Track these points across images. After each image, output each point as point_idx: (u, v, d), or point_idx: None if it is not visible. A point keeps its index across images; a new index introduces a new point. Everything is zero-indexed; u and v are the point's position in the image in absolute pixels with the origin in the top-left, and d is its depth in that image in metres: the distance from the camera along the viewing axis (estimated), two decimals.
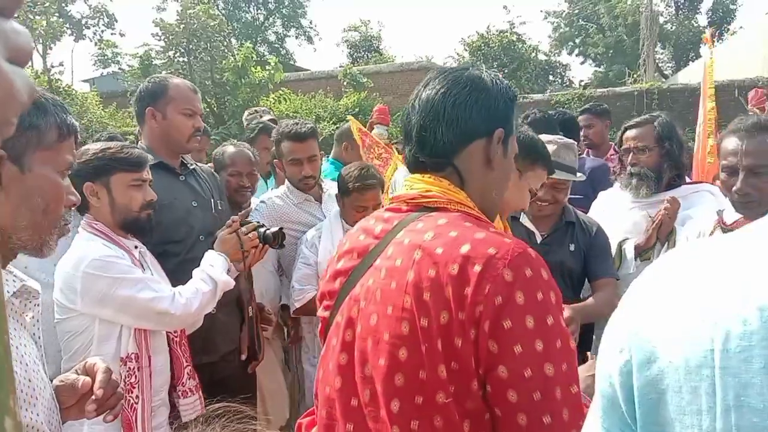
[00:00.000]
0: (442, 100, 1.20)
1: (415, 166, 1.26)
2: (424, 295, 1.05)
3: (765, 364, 0.49)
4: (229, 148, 3.15)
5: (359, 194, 2.75)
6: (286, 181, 3.14)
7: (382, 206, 1.56)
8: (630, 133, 2.75)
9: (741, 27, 26.23)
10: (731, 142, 2.06)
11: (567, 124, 4.05)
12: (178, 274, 2.31)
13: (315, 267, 2.83)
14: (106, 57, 21.52)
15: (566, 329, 1.06)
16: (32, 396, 1.11)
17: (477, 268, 1.03)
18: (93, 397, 1.23)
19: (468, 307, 1.02)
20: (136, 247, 2.15)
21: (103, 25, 24.36)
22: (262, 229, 2.45)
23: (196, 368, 2.29)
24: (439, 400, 1.04)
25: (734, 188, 2.04)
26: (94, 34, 24.12)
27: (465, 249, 1.05)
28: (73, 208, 1.35)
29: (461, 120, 1.19)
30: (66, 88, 15.75)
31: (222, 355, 2.57)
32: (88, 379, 1.25)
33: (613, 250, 2.66)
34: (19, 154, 1.09)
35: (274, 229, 2.49)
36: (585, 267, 2.55)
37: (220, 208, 2.67)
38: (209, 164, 3.17)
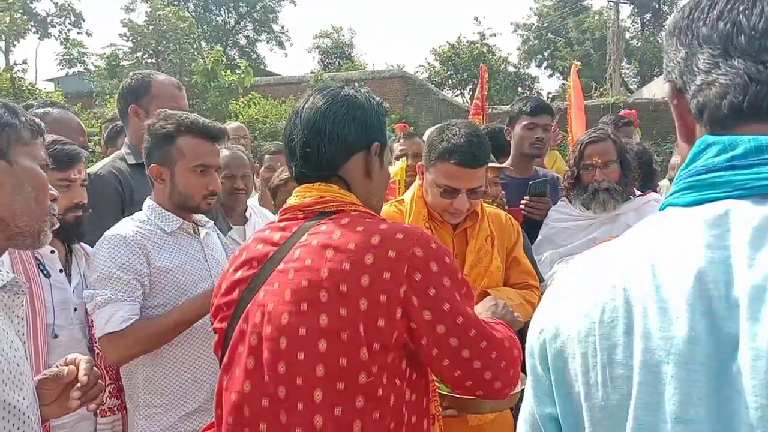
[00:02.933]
0: (323, 119, 1.31)
1: (301, 179, 1.36)
2: (341, 286, 1.16)
3: (625, 329, 0.66)
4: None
5: (285, 187, 2.78)
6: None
7: None
8: (595, 148, 2.75)
9: None
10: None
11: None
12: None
13: None
14: (71, 56, 21.14)
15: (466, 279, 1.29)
16: (20, 380, 1.13)
17: (391, 253, 1.17)
18: (78, 384, 1.26)
19: (390, 289, 1.15)
20: (52, 251, 1.99)
21: (70, 23, 23.97)
22: None
23: None
24: (361, 380, 1.15)
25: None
26: (60, 32, 23.72)
27: (375, 239, 1.19)
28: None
29: (341, 136, 1.30)
30: (29, 87, 15.41)
31: None
32: (72, 368, 1.29)
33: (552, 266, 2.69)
34: (4, 149, 1.16)
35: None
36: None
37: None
38: None
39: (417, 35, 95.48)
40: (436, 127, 2.15)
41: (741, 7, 0.69)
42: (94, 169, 2.38)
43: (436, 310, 1.17)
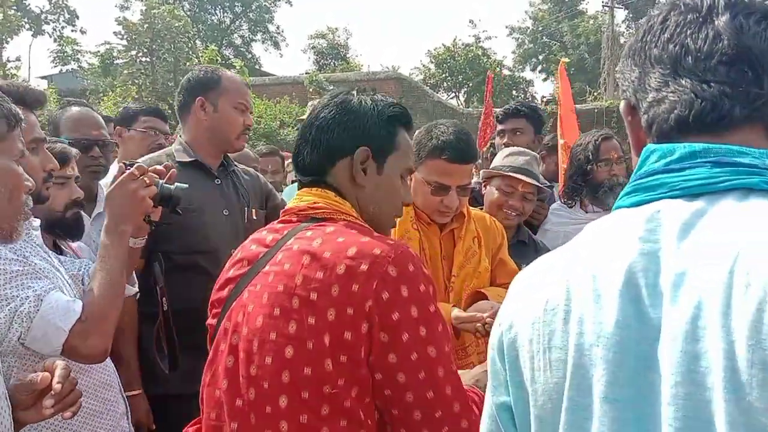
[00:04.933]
0: (309, 124, 1.32)
1: (300, 184, 1.36)
2: (312, 295, 1.13)
3: (564, 316, 0.72)
4: None
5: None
6: None
7: None
8: (610, 144, 2.80)
9: None
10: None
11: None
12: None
13: None
14: (65, 54, 21.05)
15: (440, 314, 1.19)
16: None
17: (364, 266, 1.13)
18: (51, 392, 1.22)
19: (357, 302, 1.12)
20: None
21: (64, 21, 23.86)
22: (161, 181, 1.77)
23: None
24: (326, 391, 1.12)
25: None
26: (54, 29, 23.61)
27: (351, 251, 1.15)
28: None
29: (323, 141, 1.29)
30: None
31: None
32: (47, 374, 1.23)
33: None
34: None
35: (182, 185, 1.83)
36: None
37: (255, 217, 2.38)
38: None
39: (412, 37, 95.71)
40: (422, 127, 2.14)
41: (688, 31, 0.75)
42: (139, 161, 2.30)
43: (393, 336, 1.12)
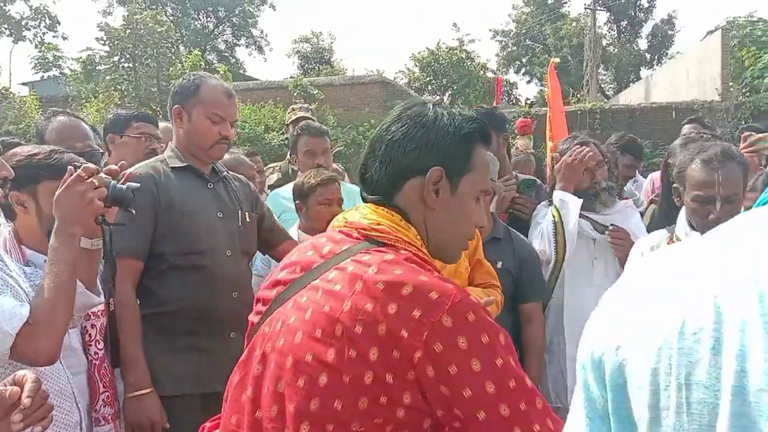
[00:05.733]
0: (380, 138, 1.23)
1: (363, 198, 1.27)
2: (357, 327, 1.05)
3: (713, 344, 0.55)
4: (225, 156, 3.05)
5: (323, 188, 2.80)
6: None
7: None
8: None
9: (678, 52, 27.42)
10: (702, 173, 2.11)
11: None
12: (207, 291, 2.20)
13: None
14: (47, 60, 20.85)
15: (522, 371, 1.06)
16: None
17: (416, 312, 1.03)
18: (20, 406, 1.19)
19: (404, 349, 1.02)
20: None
21: (45, 27, 23.65)
22: (113, 182, 1.75)
23: (210, 397, 2.13)
24: (353, 428, 1.04)
25: (711, 217, 2.09)
26: (35, 35, 23.39)
27: (406, 290, 1.05)
28: None
29: (394, 159, 1.20)
30: (3, 91, 15.16)
31: None
32: (16, 388, 1.21)
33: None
34: None
35: (134, 184, 1.82)
36: (514, 287, 2.61)
37: (248, 220, 2.45)
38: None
39: (397, 41, 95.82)
40: None
41: None
42: (131, 168, 2.28)
43: (454, 392, 1.02)
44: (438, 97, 28.72)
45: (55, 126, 2.58)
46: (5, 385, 1.25)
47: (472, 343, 1.02)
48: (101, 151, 2.69)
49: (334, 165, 4.41)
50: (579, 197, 2.78)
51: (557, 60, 5.11)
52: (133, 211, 1.85)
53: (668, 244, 2.36)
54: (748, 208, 2.30)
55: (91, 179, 1.65)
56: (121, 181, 1.77)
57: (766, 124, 6.71)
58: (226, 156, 3.00)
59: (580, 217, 2.77)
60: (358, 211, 1.27)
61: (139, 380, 2.09)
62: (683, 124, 4.57)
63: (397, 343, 1.02)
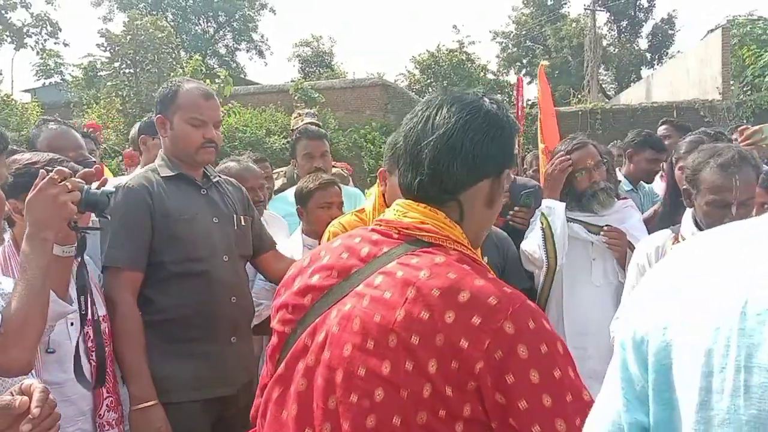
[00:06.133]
0: (461, 135, 1.14)
1: (413, 194, 1.18)
2: (413, 338, 1.00)
3: None
4: (232, 165, 3.04)
5: (323, 191, 2.81)
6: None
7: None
8: (584, 152, 2.84)
9: (679, 51, 27.41)
10: (719, 177, 2.10)
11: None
12: (206, 297, 2.20)
13: (273, 283, 2.80)
14: (48, 67, 20.89)
15: (579, 382, 1.02)
16: None
17: (476, 320, 0.99)
18: (29, 416, 1.18)
19: (464, 360, 0.98)
20: None
21: (46, 33, 23.71)
22: (87, 187, 1.72)
23: (211, 402, 2.15)
24: None
25: (726, 221, 2.08)
26: (36, 42, 23.44)
27: (463, 297, 1.01)
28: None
29: (478, 158, 1.14)
30: (5, 98, 15.20)
31: (239, 387, 2.29)
32: (25, 398, 1.20)
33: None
34: None
35: (109, 189, 1.78)
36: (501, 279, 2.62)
37: (243, 224, 2.45)
38: None
39: (397, 43, 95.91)
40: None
41: None
42: (124, 180, 2.30)
43: (510, 401, 0.97)
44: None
45: (47, 135, 2.58)
46: (12, 395, 1.24)
47: (531, 353, 0.98)
48: (93, 159, 2.69)
49: (341, 167, 4.43)
50: (578, 198, 2.79)
51: (546, 63, 5.15)
52: (109, 217, 1.82)
53: (673, 244, 2.36)
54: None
55: (63, 183, 1.62)
56: (97, 186, 1.75)
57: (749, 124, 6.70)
58: (233, 164, 3.03)
59: (572, 221, 2.78)
60: (393, 209, 1.20)
61: (144, 392, 2.09)
62: (658, 126, 4.60)
63: (456, 354, 0.98)
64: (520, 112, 5.49)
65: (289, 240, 2.94)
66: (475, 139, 1.14)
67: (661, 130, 4.47)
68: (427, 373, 0.98)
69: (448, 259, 1.07)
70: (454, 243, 1.12)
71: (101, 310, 2.08)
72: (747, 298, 0.55)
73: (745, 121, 11.70)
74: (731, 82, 13.97)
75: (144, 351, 2.13)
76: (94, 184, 1.77)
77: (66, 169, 1.68)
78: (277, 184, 4.41)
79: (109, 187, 1.81)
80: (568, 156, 2.81)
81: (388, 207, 1.96)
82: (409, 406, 0.99)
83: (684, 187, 2.30)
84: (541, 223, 2.77)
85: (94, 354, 2.01)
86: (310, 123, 4.42)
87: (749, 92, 13.66)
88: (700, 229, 2.24)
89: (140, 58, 14.40)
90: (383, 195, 2.07)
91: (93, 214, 1.84)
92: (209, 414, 2.24)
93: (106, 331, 2.09)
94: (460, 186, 1.15)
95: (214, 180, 2.44)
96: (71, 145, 2.55)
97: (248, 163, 3.11)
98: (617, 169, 3.90)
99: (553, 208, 2.76)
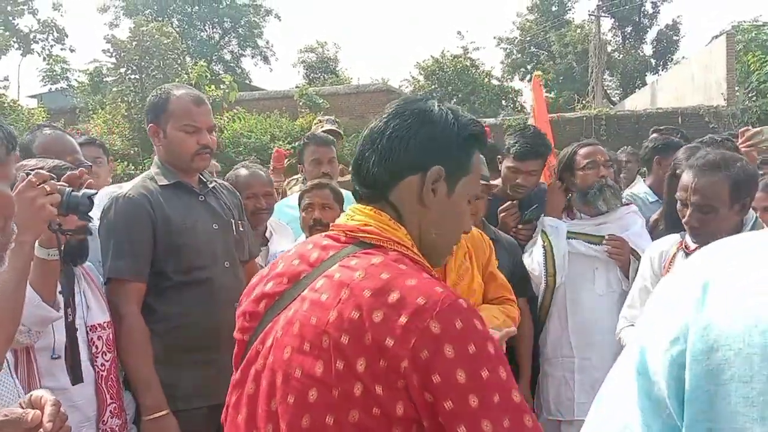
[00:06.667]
0: (380, 131, 1.17)
1: (357, 196, 1.22)
2: (343, 338, 1.00)
3: None
4: (242, 171, 3.04)
5: (308, 192, 2.79)
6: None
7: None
8: (593, 149, 2.85)
9: (684, 57, 27.38)
10: (686, 176, 2.16)
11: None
12: (209, 304, 2.20)
13: None
14: (54, 72, 21.02)
15: (510, 383, 1.01)
16: None
17: (403, 319, 0.98)
18: (41, 430, 1.16)
19: (391, 358, 0.98)
20: None
21: (53, 39, 23.84)
22: (68, 190, 1.70)
23: (217, 409, 2.15)
24: None
25: (684, 220, 2.16)
26: (43, 48, 23.58)
27: (393, 297, 1.01)
28: None
29: (394, 153, 1.15)
30: (12, 104, 15.29)
31: None
32: (37, 412, 1.18)
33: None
34: None
35: (90, 191, 1.75)
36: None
37: (242, 229, 2.46)
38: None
39: (401, 49, 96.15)
40: None
41: None
42: (123, 190, 2.28)
43: (438, 401, 0.96)
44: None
45: (41, 140, 2.56)
46: (22, 406, 1.22)
47: (458, 353, 0.97)
48: (89, 164, 2.69)
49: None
50: (583, 194, 2.78)
51: (540, 73, 5.23)
52: (92, 220, 1.81)
53: (678, 249, 2.36)
54: (754, 208, 2.29)
55: (42, 185, 1.60)
56: (81, 190, 1.73)
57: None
58: (243, 171, 3.02)
59: (573, 236, 2.78)
60: (345, 213, 1.23)
61: (155, 402, 2.09)
62: (650, 133, 4.55)
63: (383, 353, 0.98)
64: (537, 113, 5.47)
65: (293, 247, 2.93)
66: (393, 135, 1.15)
67: (652, 138, 4.43)
68: (356, 373, 0.99)
69: (386, 259, 1.08)
70: (394, 244, 1.13)
71: (102, 317, 2.09)
72: None
73: (750, 127, 11.67)
74: (736, 88, 13.94)
75: (152, 361, 2.13)
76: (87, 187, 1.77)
77: (45, 172, 1.66)
78: (295, 190, 4.42)
79: (108, 192, 1.80)
80: (559, 180, 2.85)
81: None
82: (341, 405, 1.00)
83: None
84: (543, 240, 2.77)
85: (98, 359, 2.02)
86: (328, 131, 4.42)
87: (754, 98, 13.63)
88: None
89: (146, 63, 14.48)
90: None
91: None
92: (215, 420, 2.23)
93: (110, 338, 2.09)
94: (383, 182, 1.16)
95: (211, 186, 2.43)
96: (66, 150, 2.54)
97: (257, 169, 3.09)
98: (641, 180, 3.84)
99: (556, 228, 2.76)
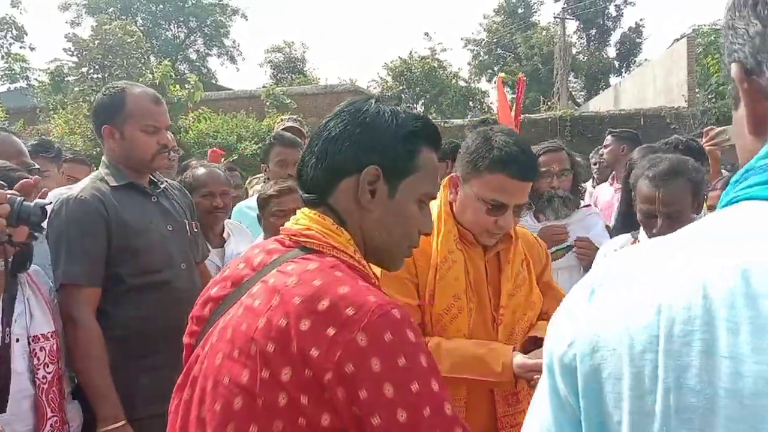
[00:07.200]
0: (317, 134, 1.17)
1: (303, 200, 1.21)
2: (269, 346, 0.97)
3: (704, 347, 0.52)
4: (199, 170, 2.98)
5: (278, 198, 2.73)
6: None
7: None
8: (551, 156, 2.86)
9: (646, 59, 27.95)
10: (647, 188, 2.16)
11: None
12: (167, 308, 2.13)
13: None
14: (13, 71, 20.49)
15: (442, 395, 0.97)
16: None
17: (330, 330, 0.95)
18: None
19: (315, 369, 0.94)
20: None
21: (11, 37, 23.23)
22: (20, 199, 1.63)
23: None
24: None
25: (653, 231, 2.17)
26: (1, 46, 22.97)
27: (322, 305, 0.97)
28: None
29: (329, 154, 1.13)
30: None
31: None
32: None
33: None
34: None
35: (43, 201, 1.70)
36: None
37: (195, 230, 2.41)
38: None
39: (369, 50, 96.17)
40: (473, 133, 1.89)
41: None
42: (73, 192, 2.19)
43: (365, 415, 0.93)
44: (412, 106, 28.82)
45: None
46: None
47: (385, 366, 0.93)
48: (36, 167, 2.60)
49: None
50: (535, 200, 2.80)
51: (503, 75, 5.41)
52: (42, 233, 1.73)
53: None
54: (712, 208, 2.35)
55: None
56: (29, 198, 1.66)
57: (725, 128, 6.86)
58: (200, 169, 2.96)
59: (545, 221, 2.83)
60: (294, 216, 1.21)
61: (112, 412, 2.02)
62: (606, 134, 4.64)
63: (307, 363, 0.95)
64: (516, 114, 5.54)
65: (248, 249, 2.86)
66: (330, 136, 1.13)
67: (607, 140, 4.49)
68: (281, 382, 0.96)
69: (321, 265, 1.04)
70: (333, 249, 1.10)
71: (46, 327, 1.99)
72: (673, 317, 0.55)
73: (714, 127, 11.94)
74: (696, 90, 14.26)
75: (108, 370, 2.06)
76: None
77: None
78: (256, 189, 4.37)
79: (56, 194, 1.73)
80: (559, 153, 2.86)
81: (456, 218, 1.85)
82: (265, 414, 0.97)
83: (633, 193, 2.35)
84: None
85: (39, 371, 1.93)
86: (290, 128, 4.36)
87: (714, 100, 13.96)
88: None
89: (109, 62, 14.20)
90: (451, 204, 1.88)
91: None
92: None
93: (54, 349, 1.99)
94: (321, 185, 1.15)
95: (162, 186, 2.38)
96: (13, 152, 2.47)
97: (214, 168, 3.04)
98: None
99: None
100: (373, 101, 1.18)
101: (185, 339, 1.23)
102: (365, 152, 1.12)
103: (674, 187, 2.12)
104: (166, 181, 2.45)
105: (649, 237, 2.23)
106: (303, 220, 1.16)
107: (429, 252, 1.81)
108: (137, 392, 2.11)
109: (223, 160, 4.90)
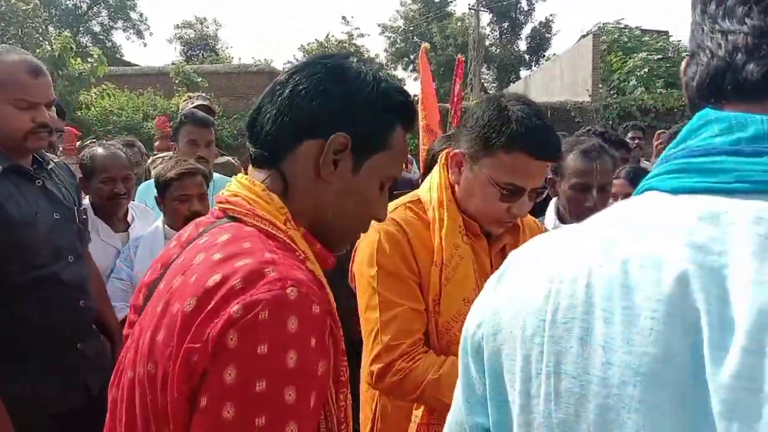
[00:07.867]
0: (283, 82, 0.98)
1: (251, 158, 1.03)
2: (158, 334, 0.85)
3: (582, 334, 0.54)
4: (98, 150, 2.73)
5: (179, 182, 2.54)
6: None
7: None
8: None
9: (554, 54, 28.99)
10: (581, 162, 2.22)
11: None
12: (52, 305, 1.92)
13: (129, 281, 2.58)
14: None
15: (310, 418, 0.85)
16: None
17: (212, 305, 0.82)
18: None
19: (182, 354, 0.82)
20: None
21: None
22: None
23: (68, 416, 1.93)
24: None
25: (587, 204, 2.19)
26: None
27: (213, 280, 0.84)
28: None
29: (294, 109, 0.95)
30: None
31: (100, 388, 1.99)
32: None
33: None
34: None
35: None
36: None
37: (84, 216, 2.16)
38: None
39: (286, 31, 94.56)
40: (484, 102, 1.56)
41: None
42: None
43: (213, 405, 0.80)
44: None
45: None
46: None
47: (241, 348, 0.80)
48: None
49: (230, 159, 4.25)
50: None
51: (428, 45, 5.54)
52: None
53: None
54: (614, 196, 2.46)
55: None
56: None
57: (634, 122, 7.22)
58: (100, 150, 2.72)
59: None
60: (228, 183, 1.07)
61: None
62: None
63: (179, 349, 0.83)
64: (456, 96, 5.73)
65: (147, 232, 2.67)
66: (296, 89, 0.96)
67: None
68: (156, 378, 0.87)
69: (232, 236, 0.91)
70: (257, 218, 0.94)
71: None
72: (558, 303, 0.57)
73: (611, 123, 12.57)
74: (600, 86, 14.94)
75: None
76: None
77: None
78: (159, 169, 4.18)
79: None
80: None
81: (456, 200, 1.56)
82: (154, 416, 0.87)
83: (549, 176, 2.32)
84: None
85: None
86: (200, 106, 4.19)
87: (615, 95, 14.68)
88: (561, 220, 2.37)
89: (1, 31, 13.22)
90: (452, 187, 1.58)
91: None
92: (65, 426, 2.03)
93: None
94: (276, 143, 0.97)
95: (49, 167, 2.10)
96: None
97: (116, 149, 2.82)
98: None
99: None
100: (355, 59, 1.02)
101: (125, 330, 1.10)
102: (337, 115, 0.95)
103: (605, 160, 2.23)
104: (52, 161, 2.18)
105: (578, 213, 2.25)
106: (233, 185, 1.01)
107: (431, 246, 1.53)
108: (27, 397, 1.91)
109: (170, 123, 4.63)
